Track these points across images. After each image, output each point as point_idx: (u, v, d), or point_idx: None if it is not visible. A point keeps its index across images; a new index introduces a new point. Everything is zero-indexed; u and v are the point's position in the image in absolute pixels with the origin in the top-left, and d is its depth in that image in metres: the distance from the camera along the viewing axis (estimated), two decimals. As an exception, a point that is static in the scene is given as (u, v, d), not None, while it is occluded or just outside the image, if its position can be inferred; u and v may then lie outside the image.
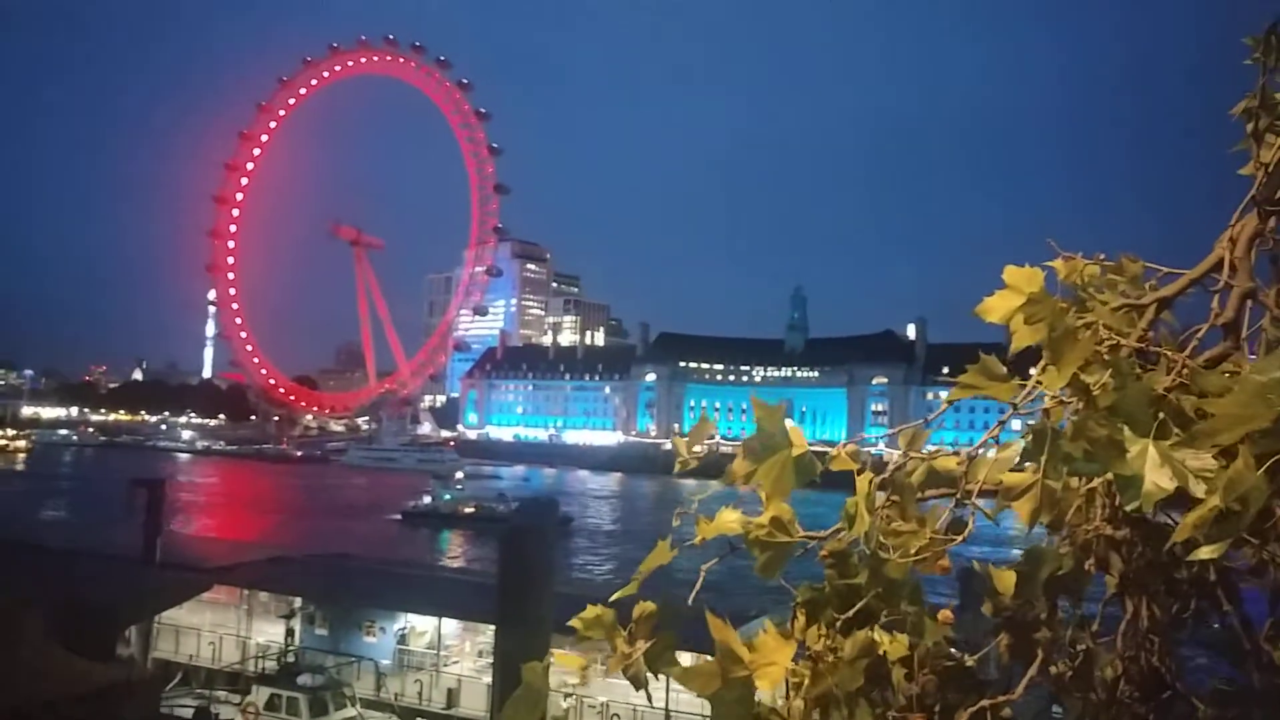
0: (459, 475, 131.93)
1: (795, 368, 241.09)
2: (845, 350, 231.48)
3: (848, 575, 1.65)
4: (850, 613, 1.62)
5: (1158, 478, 1.44)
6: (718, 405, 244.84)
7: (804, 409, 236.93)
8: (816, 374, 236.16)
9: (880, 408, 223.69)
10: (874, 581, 1.61)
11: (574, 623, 1.61)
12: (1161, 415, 1.53)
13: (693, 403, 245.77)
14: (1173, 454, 1.45)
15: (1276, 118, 1.97)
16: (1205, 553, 1.39)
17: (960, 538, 1.67)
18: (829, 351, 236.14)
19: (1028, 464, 1.62)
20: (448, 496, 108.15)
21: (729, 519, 1.67)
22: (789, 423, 1.61)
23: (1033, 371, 1.65)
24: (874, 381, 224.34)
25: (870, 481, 1.66)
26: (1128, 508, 1.47)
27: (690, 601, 1.65)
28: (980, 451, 1.74)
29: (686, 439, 1.80)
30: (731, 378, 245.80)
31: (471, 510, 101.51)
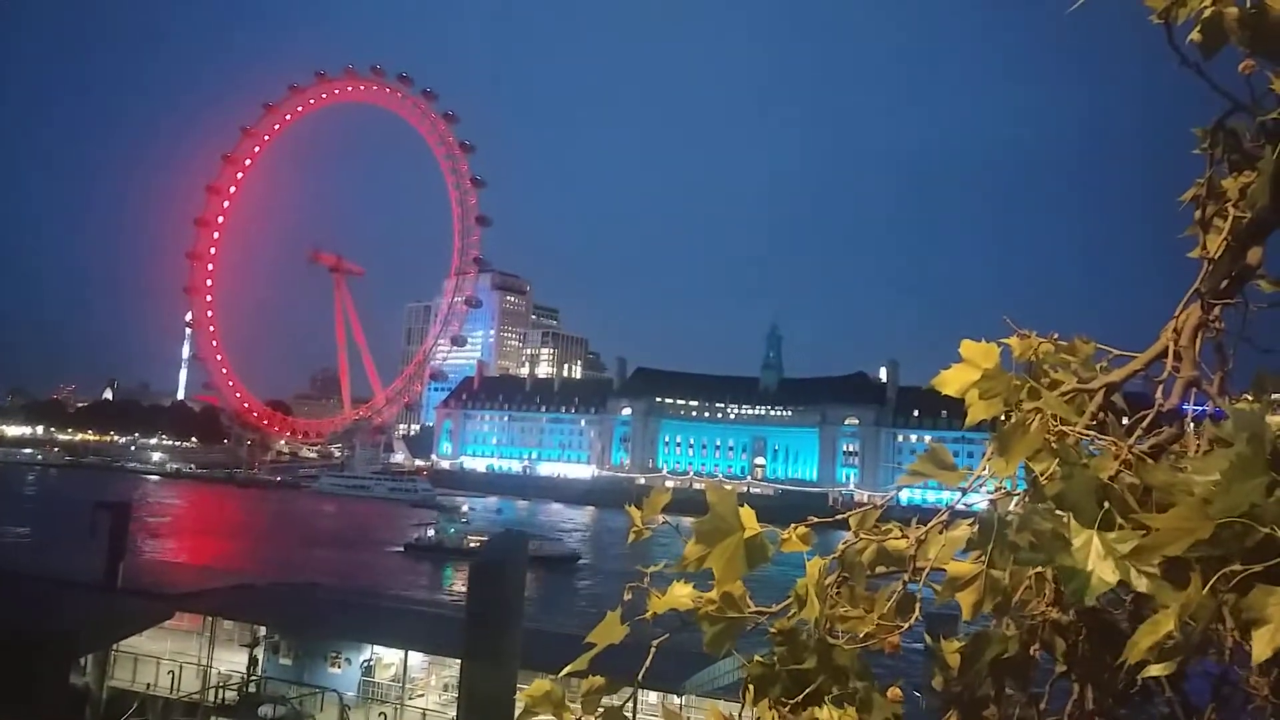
0: (465, 508, 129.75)
1: (769, 406, 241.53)
2: (818, 390, 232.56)
3: (797, 654, 1.67)
4: (799, 698, 1.63)
5: (1101, 570, 1.47)
6: (692, 441, 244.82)
7: (776, 447, 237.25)
8: (790, 413, 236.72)
9: (852, 448, 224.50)
10: (822, 667, 1.62)
11: (521, 698, 1.61)
12: (1106, 504, 1.57)
13: (667, 438, 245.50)
14: (1116, 546, 1.49)
15: (1222, 208, 2.03)
16: (1157, 670, 1.42)
17: (908, 623, 1.70)
18: (802, 391, 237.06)
19: (973, 552, 1.65)
20: (453, 530, 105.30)
21: (680, 594, 1.68)
22: (741, 506, 1.63)
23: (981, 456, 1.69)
24: (846, 422, 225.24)
25: (819, 566, 1.69)
26: (1071, 599, 1.50)
27: (640, 679, 1.65)
28: (931, 532, 1.76)
29: (642, 510, 1.81)
30: (706, 414, 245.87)
31: (477, 545, 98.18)
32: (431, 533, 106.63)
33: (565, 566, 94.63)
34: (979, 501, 1.76)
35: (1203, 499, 1.34)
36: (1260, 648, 1.27)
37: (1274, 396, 1.73)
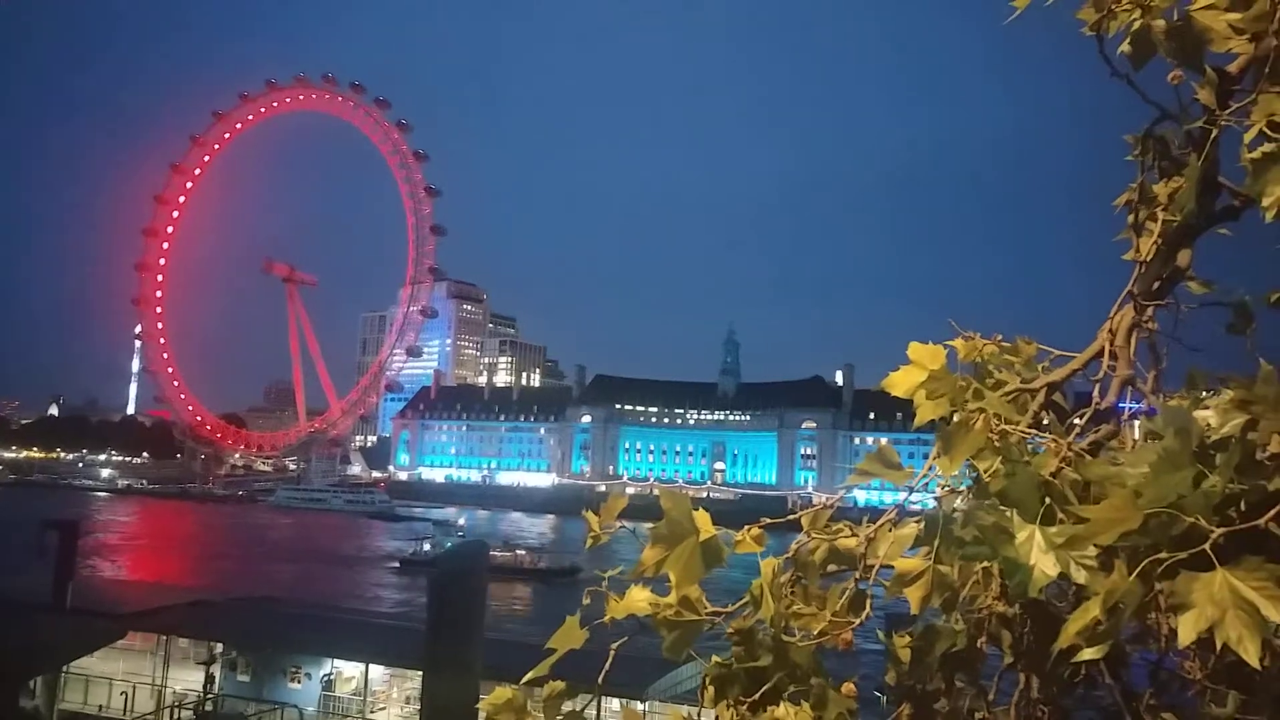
0: (461, 521, 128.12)
1: (727, 411, 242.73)
2: (776, 395, 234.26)
3: (753, 653, 1.70)
4: (756, 695, 1.67)
5: (1043, 563, 1.53)
6: (652, 447, 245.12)
7: (735, 452, 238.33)
8: (748, 418, 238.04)
9: (809, 451, 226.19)
10: (779, 665, 1.66)
11: (482, 705, 1.63)
12: (1048, 500, 1.63)
13: (627, 445, 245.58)
14: (1057, 539, 1.55)
15: (1153, 212, 2.11)
16: (1089, 654, 1.48)
17: (860, 620, 1.74)
18: (760, 396, 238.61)
19: (921, 548, 1.70)
20: (449, 544, 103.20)
21: (638, 598, 1.72)
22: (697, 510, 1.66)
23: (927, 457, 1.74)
24: (803, 426, 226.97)
25: (773, 566, 1.73)
26: (1015, 593, 1.55)
27: (600, 681, 1.68)
28: (880, 530, 1.82)
29: (599, 515, 1.85)
30: (666, 420, 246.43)
31: None
32: (427, 547, 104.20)
33: (565, 579, 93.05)
34: (930, 500, 1.82)
35: (1133, 490, 1.41)
36: (1185, 632, 1.34)
37: (1203, 394, 1.80)
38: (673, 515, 1.63)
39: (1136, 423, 1.97)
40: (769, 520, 1.80)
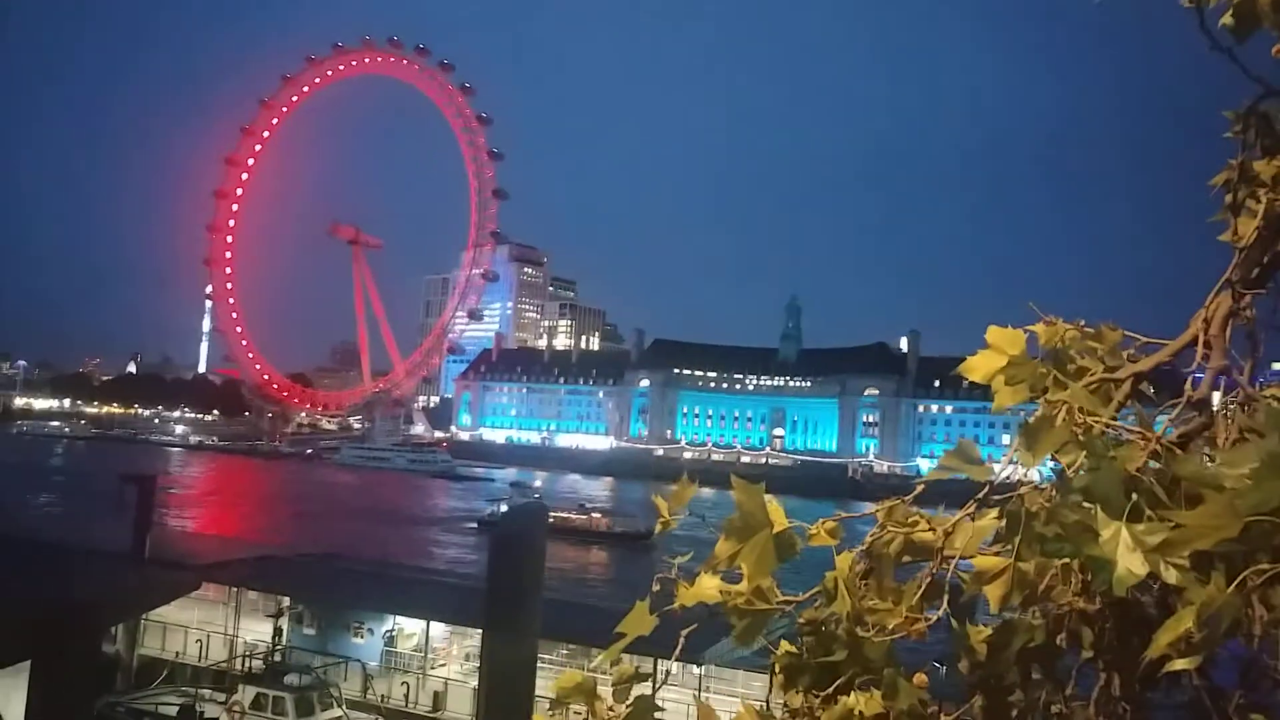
0: (536, 483, 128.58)
1: (788, 377, 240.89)
2: (838, 361, 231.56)
3: (825, 644, 1.68)
4: (829, 690, 1.65)
5: (1130, 562, 1.46)
6: (710, 412, 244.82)
7: (795, 418, 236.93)
8: (809, 384, 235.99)
9: (871, 419, 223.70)
10: (853, 660, 1.64)
11: (551, 689, 1.64)
12: (1134, 496, 1.56)
13: (685, 409, 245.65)
14: (1145, 538, 1.49)
15: (1254, 192, 2.00)
16: (1181, 664, 1.42)
17: (937, 615, 1.71)
18: (822, 362, 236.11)
19: (1000, 544, 1.65)
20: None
21: (708, 586, 1.70)
22: (769, 500, 1.63)
23: (1006, 454, 1.69)
24: (866, 393, 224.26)
25: (849, 560, 1.70)
26: (1099, 591, 1.50)
27: (672, 662, 1.67)
28: (958, 523, 1.77)
29: (669, 499, 1.83)
30: (724, 386, 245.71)
31: (550, 520, 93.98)
32: (504, 508, 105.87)
33: (638, 544, 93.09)
34: (1005, 476, 1.76)
35: (1232, 495, 1.34)
36: None
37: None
38: (746, 508, 1.61)
39: (1222, 413, 1.87)
40: (844, 514, 1.77)
